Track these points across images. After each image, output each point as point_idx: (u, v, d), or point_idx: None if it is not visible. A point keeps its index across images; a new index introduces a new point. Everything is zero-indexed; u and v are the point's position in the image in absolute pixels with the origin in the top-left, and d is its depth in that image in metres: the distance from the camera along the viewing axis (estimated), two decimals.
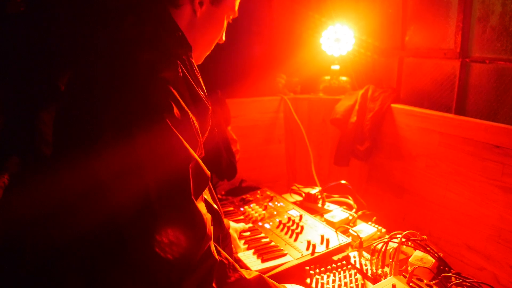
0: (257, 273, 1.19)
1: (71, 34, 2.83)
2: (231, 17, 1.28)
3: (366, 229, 1.79)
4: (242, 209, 2.06)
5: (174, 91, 1.00)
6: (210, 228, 1.05)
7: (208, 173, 1.07)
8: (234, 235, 1.73)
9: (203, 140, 1.16)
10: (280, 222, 1.86)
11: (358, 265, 1.57)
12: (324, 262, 1.57)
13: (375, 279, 1.48)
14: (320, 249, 1.62)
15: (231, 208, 2.10)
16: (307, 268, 1.51)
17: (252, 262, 1.58)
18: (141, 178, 0.94)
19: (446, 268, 1.49)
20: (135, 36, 1.06)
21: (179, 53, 1.10)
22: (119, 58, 1.02)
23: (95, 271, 1.04)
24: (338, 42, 3.02)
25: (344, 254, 1.64)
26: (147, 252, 0.95)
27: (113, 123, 0.95)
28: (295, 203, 2.13)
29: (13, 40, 3.13)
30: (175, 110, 0.98)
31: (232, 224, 1.79)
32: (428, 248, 1.51)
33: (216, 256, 1.07)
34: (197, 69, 1.18)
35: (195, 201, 1.00)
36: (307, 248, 1.63)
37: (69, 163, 1.05)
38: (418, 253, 1.52)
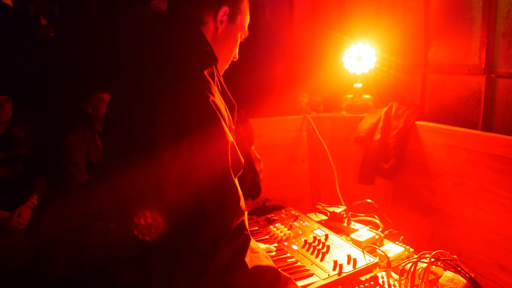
0: (288, 275, 1.32)
1: (103, 56, 2.95)
2: (243, 36, 1.46)
3: (393, 249, 1.76)
4: (267, 228, 2.06)
5: (213, 84, 1.19)
6: (243, 203, 1.21)
7: (242, 159, 1.24)
8: None
9: (233, 130, 1.33)
10: (305, 241, 1.84)
11: (386, 286, 1.54)
12: (351, 282, 1.55)
13: None
14: (347, 269, 1.60)
15: (256, 228, 2.09)
16: None
17: None
18: (195, 167, 1.10)
19: None
20: (174, 50, 1.23)
21: (209, 63, 1.26)
22: (164, 67, 1.19)
23: (146, 260, 1.20)
24: (360, 60, 3.02)
25: (371, 274, 1.61)
26: (191, 224, 1.11)
27: (168, 114, 1.10)
28: (320, 222, 2.11)
29: (43, 65, 3.25)
30: (216, 98, 1.17)
31: None
32: (458, 268, 1.48)
33: (249, 233, 1.21)
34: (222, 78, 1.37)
35: (232, 174, 1.16)
36: (334, 268, 1.61)
37: (127, 167, 1.21)
38: (448, 274, 1.48)
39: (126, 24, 3.30)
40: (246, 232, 1.20)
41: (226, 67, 1.48)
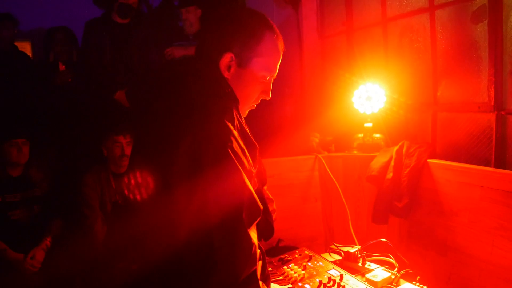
0: None
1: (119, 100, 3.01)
2: (267, 78, 1.40)
3: None
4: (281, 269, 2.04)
5: (233, 130, 1.19)
6: (257, 252, 1.18)
7: (261, 206, 1.22)
8: None
9: (255, 174, 1.32)
10: (320, 282, 1.82)
11: None
12: None
13: None
14: None
15: (270, 269, 2.07)
16: None
17: None
18: (207, 212, 1.11)
19: None
20: (194, 94, 1.26)
21: (230, 105, 1.26)
22: (184, 112, 1.22)
23: None
24: (369, 100, 3.06)
25: None
26: (201, 270, 1.11)
27: (185, 160, 1.13)
28: (334, 262, 2.09)
29: (60, 109, 3.35)
30: (235, 144, 1.17)
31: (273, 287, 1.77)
32: None
33: (260, 283, 1.18)
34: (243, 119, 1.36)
35: (245, 225, 1.14)
36: None
37: (145, 208, 1.26)
38: None
39: (141, 70, 3.42)
40: (256, 284, 1.17)
41: (251, 107, 1.46)
